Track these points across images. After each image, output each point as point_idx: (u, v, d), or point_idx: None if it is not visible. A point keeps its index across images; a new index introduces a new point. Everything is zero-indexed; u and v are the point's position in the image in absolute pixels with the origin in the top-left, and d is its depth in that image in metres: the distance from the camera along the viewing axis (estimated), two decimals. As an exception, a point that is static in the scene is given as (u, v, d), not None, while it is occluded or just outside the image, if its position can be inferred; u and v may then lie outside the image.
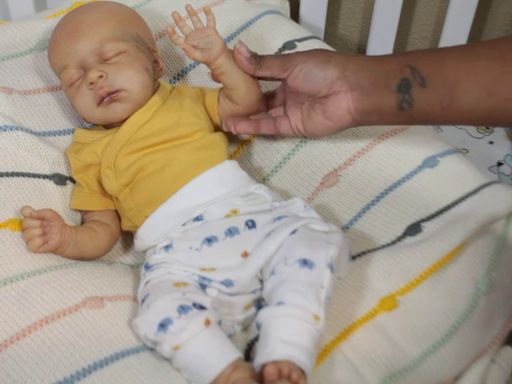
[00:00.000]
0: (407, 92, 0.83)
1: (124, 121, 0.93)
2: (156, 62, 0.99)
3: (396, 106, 0.85)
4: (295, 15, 1.31)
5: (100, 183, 0.93)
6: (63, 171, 0.96)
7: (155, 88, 0.97)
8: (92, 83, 0.91)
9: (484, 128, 1.35)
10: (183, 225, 0.87)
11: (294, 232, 0.81)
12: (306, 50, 0.92)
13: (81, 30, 0.93)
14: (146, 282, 0.83)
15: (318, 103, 0.89)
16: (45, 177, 0.94)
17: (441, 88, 0.82)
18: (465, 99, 0.81)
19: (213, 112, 0.96)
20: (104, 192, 0.93)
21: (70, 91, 0.95)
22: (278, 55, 0.92)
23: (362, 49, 1.44)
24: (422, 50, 0.90)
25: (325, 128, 0.91)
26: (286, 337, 0.72)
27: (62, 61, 0.94)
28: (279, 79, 0.92)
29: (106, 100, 0.91)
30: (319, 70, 0.87)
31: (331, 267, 0.77)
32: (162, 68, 1.00)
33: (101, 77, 0.90)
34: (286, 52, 1.09)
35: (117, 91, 0.91)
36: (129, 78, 0.92)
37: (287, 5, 1.26)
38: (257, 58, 0.91)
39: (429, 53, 0.86)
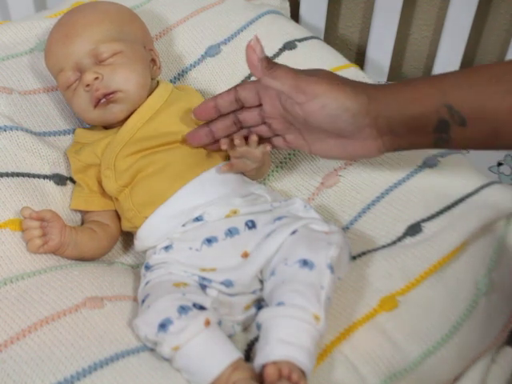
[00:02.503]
0: (445, 132, 0.77)
1: (123, 121, 0.94)
2: (153, 60, 0.99)
3: (432, 143, 0.80)
4: (295, 15, 1.31)
5: (100, 184, 0.93)
6: (63, 171, 0.96)
7: (153, 87, 0.97)
8: (88, 85, 0.91)
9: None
10: (183, 225, 0.87)
11: (294, 232, 0.81)
12: (321, 72, 0.83)
13: (75, 31, 0.93)
14: (147, 283, 0.83)
15: (337, 137, 0.82)
16: (45, 177, 0.94)
17: (483, 127, 0.76)
18: (509, 136, 0.75)
19: None
20: (104, 192, 0.93)
21: (67, 94, 0.95)
22: (295, 70, 0.83)
23: (361, 49, 1.44)
24: (454, 80, 0.78)
25: (342, 157, 0.87)
26: (286, 337, 0.72)
27: (58, 63, 0.94)
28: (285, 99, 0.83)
29: (102, 101, 0.91)
30: (344, 112, 0.78)
31: (331, 268, 0.77)
32: (159, 67, 1.00)
33: (96, 78, 0.91)
34: (287, 52, 1.09)
35: (113, 92, 0.91)
36: (125, 79, 0.92)
37: (287, 5, 1.26)
38: (270, 63, 0.83)
39: (463, 85, 0.76)
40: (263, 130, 0.89)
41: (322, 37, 1.36)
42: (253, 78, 1.08)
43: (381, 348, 0.78)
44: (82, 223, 0.95)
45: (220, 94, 0.90)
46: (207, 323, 0.74)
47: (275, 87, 0.82)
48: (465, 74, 0.78)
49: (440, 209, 0.90)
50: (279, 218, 0.84)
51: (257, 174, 0.93)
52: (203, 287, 0.82)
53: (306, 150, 0.87)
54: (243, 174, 0.92)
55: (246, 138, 0.88)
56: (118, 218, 0.95)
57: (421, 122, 0.77)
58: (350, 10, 1.42)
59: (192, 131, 0.91)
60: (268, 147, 0.88)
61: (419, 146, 0.82)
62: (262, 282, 0.82)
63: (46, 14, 1.14)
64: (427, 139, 0.79)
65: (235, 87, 0.88)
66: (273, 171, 1.01)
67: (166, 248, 0.86)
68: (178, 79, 1.10)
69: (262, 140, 0.89)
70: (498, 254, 0.87)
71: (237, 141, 0.86)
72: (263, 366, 0.71)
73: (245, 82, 0.90)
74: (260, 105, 0.87)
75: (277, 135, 0.89)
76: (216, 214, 0.87)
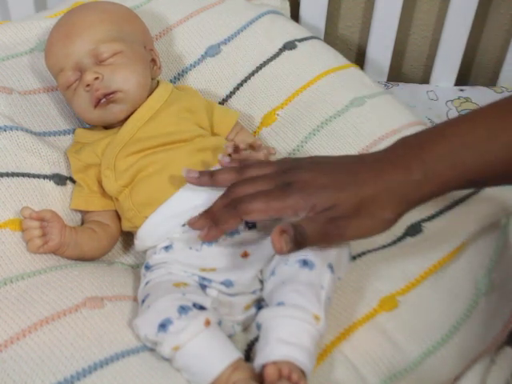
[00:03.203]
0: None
1: (123, 121, 0.94)
2: (153, 60, 0.99)
3: None
4: (295, 15, 1.31)
5: (100, 183, 0.93)
6: (63, 171, 0.96)
7: (154, 87, 0.97)
8: (88, 85, 0.91)
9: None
10: (183, 225, 0.87)
11: (294, 232, 0.81)
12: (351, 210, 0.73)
13: (75, 31, 0.93)
14: (147, 283, 0.83)
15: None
16: (45, 177, 0.94)
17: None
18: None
19: (221, 134, 0.97)
20: (104, 192, 0.93)
21: (67, 93, 0.95)
22: (320, 235, 0.74)
23: (361, 49, 1.44)
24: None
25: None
26: (286, 337, 0.72)
27: (58, 63, 0.94)
28: None
29: (102, 101, 0.91)
30: (373, 231, 0.74)
31: (331, 267, 0.77)
32: (159, 67, 1.00)
33: (96, 78, 0.91)
34: (287, 52, 1.09)
35: (113, 92, 0.91)
36: (125, 79, 0.92)
37: (287, 5, 1.26)
38: (295, 243, 0.73)
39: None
40: None
41: (322, 37, 1.36)
42: (253, 77, 1.09)
43: (381, 348, 0.78)
44: (82, 223, 0.95)
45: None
46: (207, 323, 0.74)
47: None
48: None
49: (440, 209, 0.90)
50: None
51: None
52: (203, 287, 0.82)
53: None
54: None
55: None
56: (118, 217, 0.95)
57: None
58: (350, 10, 1.42)
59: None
60: (272, 151, 0.88)
61: None
62: (261, 281, 0.82)
63: (45, 14, 1.15)
64: None
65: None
66: (273, 171, 1.01)
67: (166, 248, 0.86)
68: (178, 79, 1.10)
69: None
70: (497, 254, 0.87)
71: (241, 145, 0.86)
72: (263, 366, 0.71)
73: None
74: None
75: None
76: (216, 213, 0.86)
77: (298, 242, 0.73)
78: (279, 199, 0.75)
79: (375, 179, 0.73)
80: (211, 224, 0.78)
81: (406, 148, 0.75)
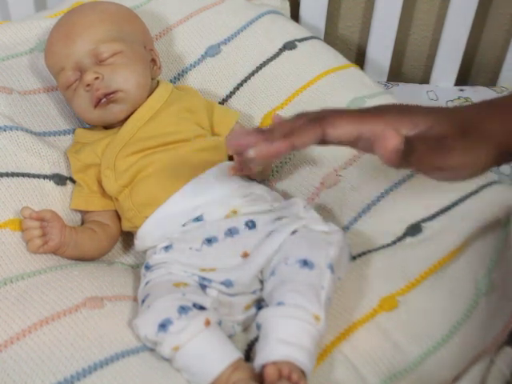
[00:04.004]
0: None
1: (123, 121, 0.94)
2: (153, 60, 0.99)
3: None
4: (295, 15, 1.31)
5: (100, 183, 0.93)
6: (63, 171, 0.96)
7: (154, 87, 0.97)
8: (88, 85, 0.91)
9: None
10: (183, 225, 0.87)
11: (294, 232, 0.81)
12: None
13: (75, 31, 0.93)
14: (147, 283, 0.83)
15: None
16: (45, 177, 0.94)
17: None
18: None
19: (221, 134, 0.97)
20: (104, 192, 0.93)
21: (67, 93, 0.95)
22: (431, 149, 0.68)
23: (361, 49, 1.44)
24: None
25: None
26: (286, 337, 0.72)
27: (59, 63, 0.94)
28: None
29: (102, 101, 0.91)
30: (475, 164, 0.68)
31: (331, 268, 0.77)
32: (159, 67, 1.00)
33: (97, 78, 0.91)
34: (287, 52, 1.09)
35: (113, 92, 0.91)
36: (125, 79, 0.92)
37: (287, 5, 1.26)
38: (405, 149, 0.66)
39: None
40: None
41: (322, 37, 1.36)
42: (253, 77, 1.09)
43: (381, 348, 0.78)
44: (82, 223, 0.95)
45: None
46: (207, 323, 0.74)
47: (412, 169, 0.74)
48: None
49: (440, 209, 0.90)
50: (279, 218, 0.84)
51: (259, 176, 0.93)
52: (203, 287, 0.82)
53: None
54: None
55: None
56: (118, 217, 0.95)
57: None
58: (350, 10, 1.42)
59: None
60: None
61: None
62: (262, 282, 0.82)
63: (45, 14, 1.15)
64: None
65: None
66: (273, 171, 1.01)
67: (166, 248, 0.86)
68: (178, 79, 1.10)
69: None
70: (498, 254, 0.87)
71: None
72: (263, 366, 0.71)
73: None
74: None
75: None
76: (216, 214, 0.87)
77: (407, 152, 0.65)
78: (373, 115, 0.67)
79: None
80: (265, 140, 0.67)
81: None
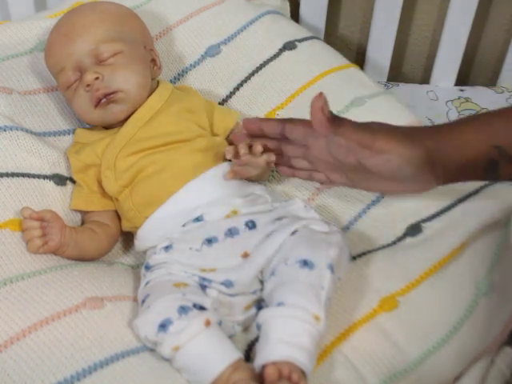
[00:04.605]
0: (495, 170, 0.79)
1: (123, 121, 0.94)
2: (153, 60, 0.99)
3: (481, 179, 0.85)
4: (295, 15, 1.31)
5: (100, 184, 0.93)
6: (63, 171, 0.96)
7: (154, 87, 0.97)
8: (88, 85, 0.91)
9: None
10: (183, 225, 0.87)
11: (294, 233, 0.81)
12: (382, 126, 0.82)
13: (76, 31, 0.93)
14: (147, 283, 0.83)
15: (391, 181, 0.82)
16: (45, 177, 0.94)
17: None
18: None
19: (221, 134, 0.97)
20: (104, 192, 0.93)
21: (67, 94, 0.95)
22: (358, 125, 0.81)
23: (361, 49, 1.44)
24: (503, 124, 0.79)
25: (389, 193, 0.88)
26: (286, 337, 0.72)
27: (59, 63, 0.94)
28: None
29: (103, 101, 0.91)
30: (408, 166, 0.78)
31: (331, 268, 0.77)
32: (159, 67, 1.00)
33: (97, 78, 0.91)
34: (287, 52, 1.09)
35: (113, 92, 0.91)
36: (125, 79, 0.92)
37: (287, 5, 1.26)
38: (335, 120, 0.80)
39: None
40: (304, 164, 0.88)
41: (322, 37, 1.36)
42: (253, 77, 1.09)
43: (381, 348, 0.78)
44: (82, 223, 0.95)
45: (268, 120, 0.89)
46: (207, 323, 0.74)
47: (340, 143, 0.81)
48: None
49: (440, 209, 0.90)
50: (279, 219, 0.84)
51: (257, 179, 0.93)
52: (203, 287, 0.82)
53: (349, 186, 0.88)
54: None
55: (250, 147, 0.87)
56: (118, 218, 0.95)
57: (473, 165, 0.79)
58: (350, 10, 1.42)
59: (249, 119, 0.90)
60: (272, 157, 0.88)
61: (469, 181, 0.86)
62: (262, 282, 0.82)
63: (45, 14, 1.14)
64: (477, 177, 0.82)
65: (284, 122, 0.87)
66: (273, 172, 1.01)
67: (166, 248, 0.86)
68: (178, 79, 1.10)
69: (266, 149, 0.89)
70: (498, 254, 0.87)
71: (242, 150, 0.86)
72: (263, 367, 0.71)
73: (294, 120, 0.87)
74: (305, 145, 0.86)
75: (318, 170, 0.88)
76: (216, 214, 0.87)
77: (336, 122, 0.80)
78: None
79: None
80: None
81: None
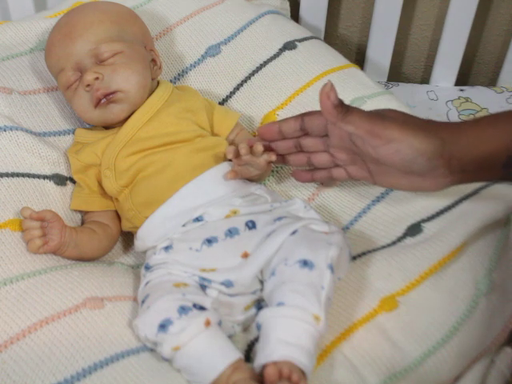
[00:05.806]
0: None
1: (123, 121, 0.94)
2: (153, 60, 0.99)
3: (500, 178, 0.82)
4: (295, 15, 1.31)
5: (100, 184, 0.93)
6: (63, 171, 0.96)
7: (154, 87, 0.97)
8: (88, 85, 0.91)
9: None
10: (183, 225, 0.87)
11: (294, 233, 0.81)
12: (394, 114, 0.82)
13: (76, 31, 0.93)
14: (147, 283, 0.83)
15: (407, 174, 0.81)
16: (45, 177, 0.94)
17: None
18: None
19: (221, 134, 0.97)
20: (104, 192, 0.93)
21: (67, 93, 0.95)
22: (369, 114, 0.81)
23: (361, 49, 1.44)
24: None
25: (408, 189, 0.87)
26: (286, 337, 0.72)
27: (59, 63, 0.94)
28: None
29: (103, 101, 0.91)
30: (419, 156, 0.77)
31: (331, 268, 0.77)
32: (160, 67, 1.00)
33: (97, 78, 0.91)
34: (287, 52, 1.09)
35: (113, 92, 0.91)
36: (125, 79, 0.92)
37: (287, 5, 1.26)
38: (344, 108, 0.80)
39: None
40: (324, 158, 0.89)
41: (322, 37, 1.36)
42: (253, 77, 1.09)
43: (381, 348, 0.78)
44: (82, 223, 0.95)
45: (286, 120, 0.90)
46: (207, 323, 0.74)
47: (349, 131, 0.81)
48: None
49: (440, 209, 0.90)
50: (279, 219, 0.84)
51: (258, 179, 0.93)
52: (203, 287, 0.82)
53: (369, 181, 0.87)
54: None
55: (251, 147, 0.88)
56: (118, 218, 0.95)
57: (491, 160, 0.78)
58: (350, 10, 1.42)
59: (265, 125, 0.91)
60: (273, 157, 0.88)
61: (487, 180, 0.85)
62: (262, 282, 0.82)
63: (45, 14, 1.15)
64: (496, 174, 0.81)
65: (302, 116, 0.88)
66: (273, 172, 1.01)
67: (166, 248, 0.86)
68: (178, 79, 1.10)
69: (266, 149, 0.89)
70: (498, 254, 0.87)
71: (242, 150, 0.86)
72: (263, 367, 0.71)
73: (312, 112, 0.88)
74: (326, 135, 0.87)
75: (337, 166, 0.89)
76: (216, 214, 0.87)
77: (345, 109, 0.79)
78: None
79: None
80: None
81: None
